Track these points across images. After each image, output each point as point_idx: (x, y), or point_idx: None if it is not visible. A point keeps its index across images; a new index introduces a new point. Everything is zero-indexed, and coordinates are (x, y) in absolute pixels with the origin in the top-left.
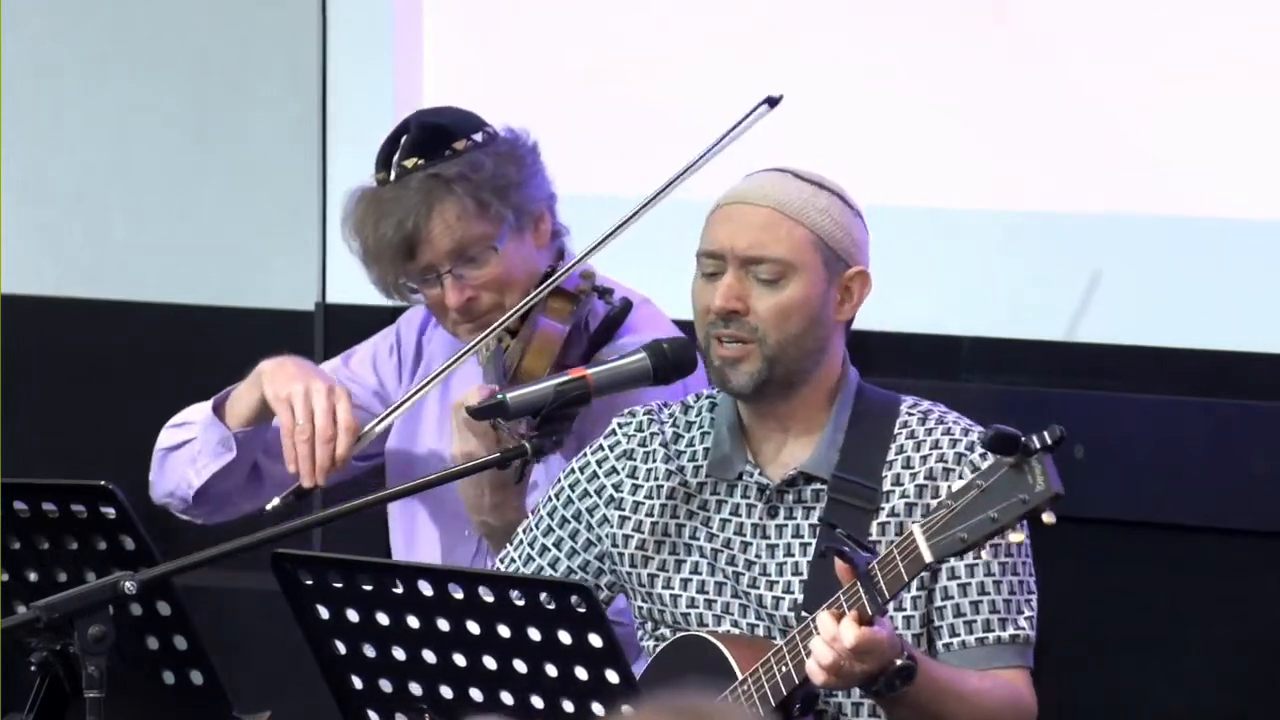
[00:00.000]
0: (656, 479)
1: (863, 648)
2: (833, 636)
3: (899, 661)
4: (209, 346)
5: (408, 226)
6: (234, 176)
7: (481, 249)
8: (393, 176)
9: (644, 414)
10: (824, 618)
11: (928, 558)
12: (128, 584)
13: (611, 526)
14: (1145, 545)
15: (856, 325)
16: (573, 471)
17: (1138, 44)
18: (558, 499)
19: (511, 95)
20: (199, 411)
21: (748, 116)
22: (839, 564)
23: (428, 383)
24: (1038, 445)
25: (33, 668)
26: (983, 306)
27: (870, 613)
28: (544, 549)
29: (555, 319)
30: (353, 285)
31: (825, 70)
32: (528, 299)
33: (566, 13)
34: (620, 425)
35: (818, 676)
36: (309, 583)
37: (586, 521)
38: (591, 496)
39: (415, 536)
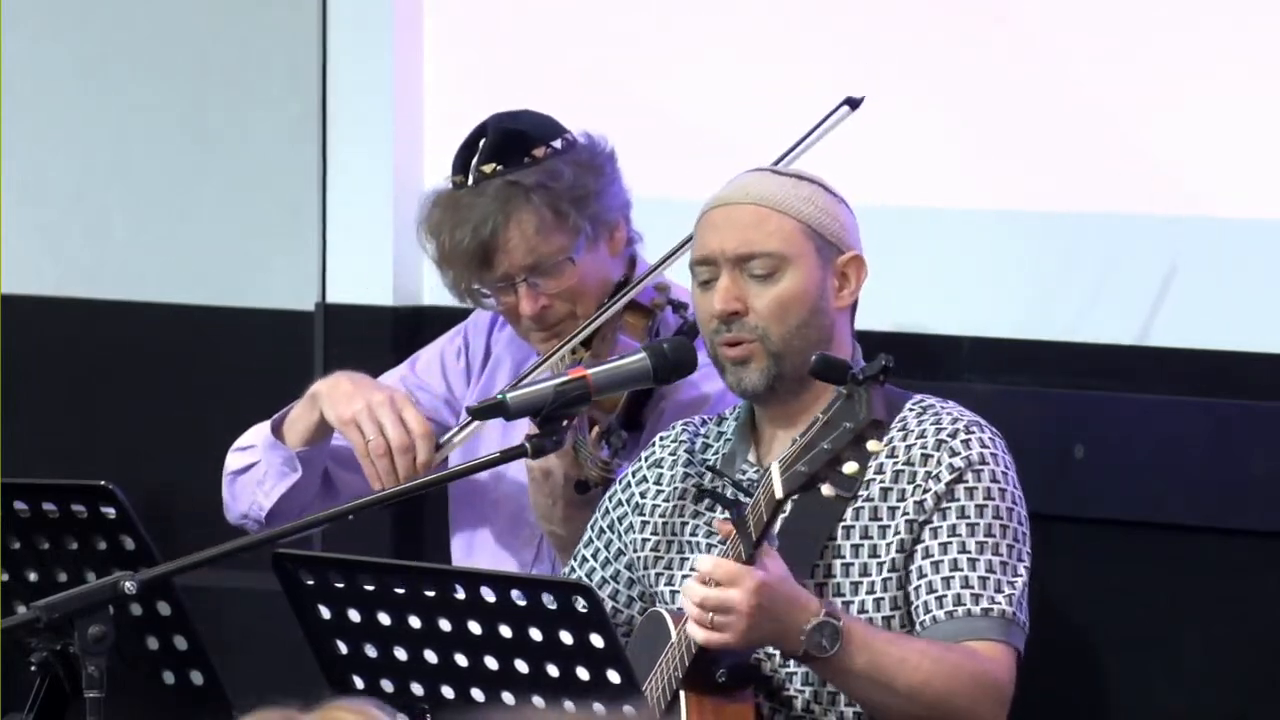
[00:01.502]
0: (674, 483)
1: (718, 575)
2: (697, 574)
3: (817, 619)
4: (209, 346)
5: (484, 234)
6: (234, 176)
7: (557, 260)
8: (470, 181)
9: (682, 425)
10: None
11: (778, 494)
12: (128, 584)
13: (634, 532)
14: (1145, 545)
15: (856, 325)
16: (615, 483)
17: (1138, 44)
18: (598, 511)
19: (512, 95)
20: (259, 433)
21: (828, 118)
22: (719, 519)
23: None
24: (862, 376)
25: (33, 668)
26: (983, 306)
27: (745, 556)
28: (584, 560)
29: (632, 335)
30: (353, 285)
31: (825, 70)
32: (601, 311)
33: (567, 13)
34: (661, 437)
35: (690, 611)
36: (310, 583)
37: (617, 530)
38: (622, 505)
39: (475, 541)
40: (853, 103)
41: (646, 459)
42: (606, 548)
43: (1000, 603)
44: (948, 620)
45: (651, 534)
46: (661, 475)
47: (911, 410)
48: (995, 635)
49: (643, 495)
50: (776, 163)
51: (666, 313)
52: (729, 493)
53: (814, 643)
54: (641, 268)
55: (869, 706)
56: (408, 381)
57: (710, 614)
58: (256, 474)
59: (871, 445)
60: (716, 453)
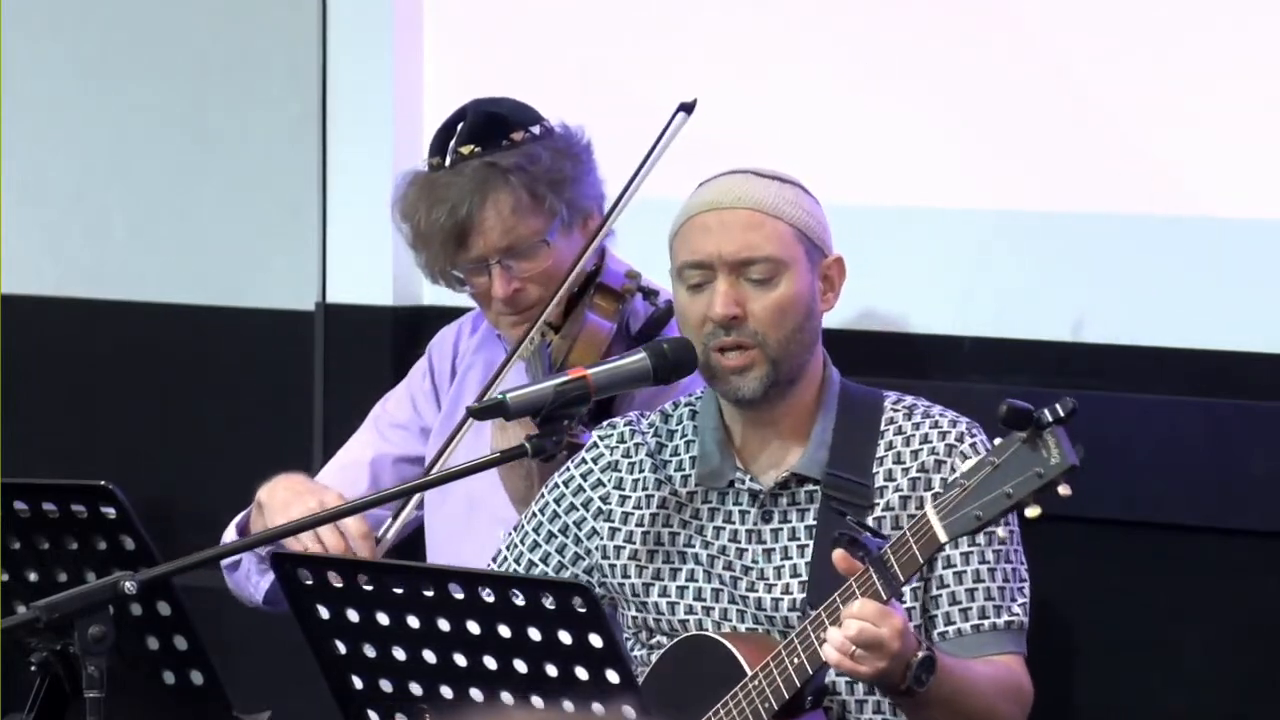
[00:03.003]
0: (645, 489)
1: (868, 614)
2: (852, 613)
3: (921, 653)
4: (209, 346)
5: (460, 213)
6: (234, 176)
7: (532, 242)
8: (448, 162)
9: (624, 425)
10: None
11: (942, 538)
12: (128, 584)
13: (601, 539)
14: (1145, 545)
15: (856, 325)
16: (556, 486)
17: (1138, 44)
18: (542, 514)
19: (511, 95)
20: (231, 535)
21: (668, 126)
22: (838, 555)
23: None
24: (1050, 419)
25: (33, 668)
26: (983, 306)
27: (885, 597)
28: (530, 565)
29: (602, 316)
30: (353, 285)
31: (826, 70)
32: (560, 282)
33: (567, 13)
34: (601, 438)
35: (832, 656)
36: (309, 582)
37: (574, 535)
38: (578, 510)
39: (454, 542)
40: (687, 107)
41: (595, 461)
42: (560, 552)
43: (1018, 614)
44: (974, 634)
45: (625, 542)
46: (623, 480)
47: (897, 410)
48: (1014, 646)
49: (605, 500)
50: (630, 182)
51: (636, 300)
52: (859, 531)
53: (916, 676)
54: (611, 260)
55: None
56: (380, 422)
57: (855, 648)
58: (244, 568)
59: (1063, 490)
60: (675, 454)
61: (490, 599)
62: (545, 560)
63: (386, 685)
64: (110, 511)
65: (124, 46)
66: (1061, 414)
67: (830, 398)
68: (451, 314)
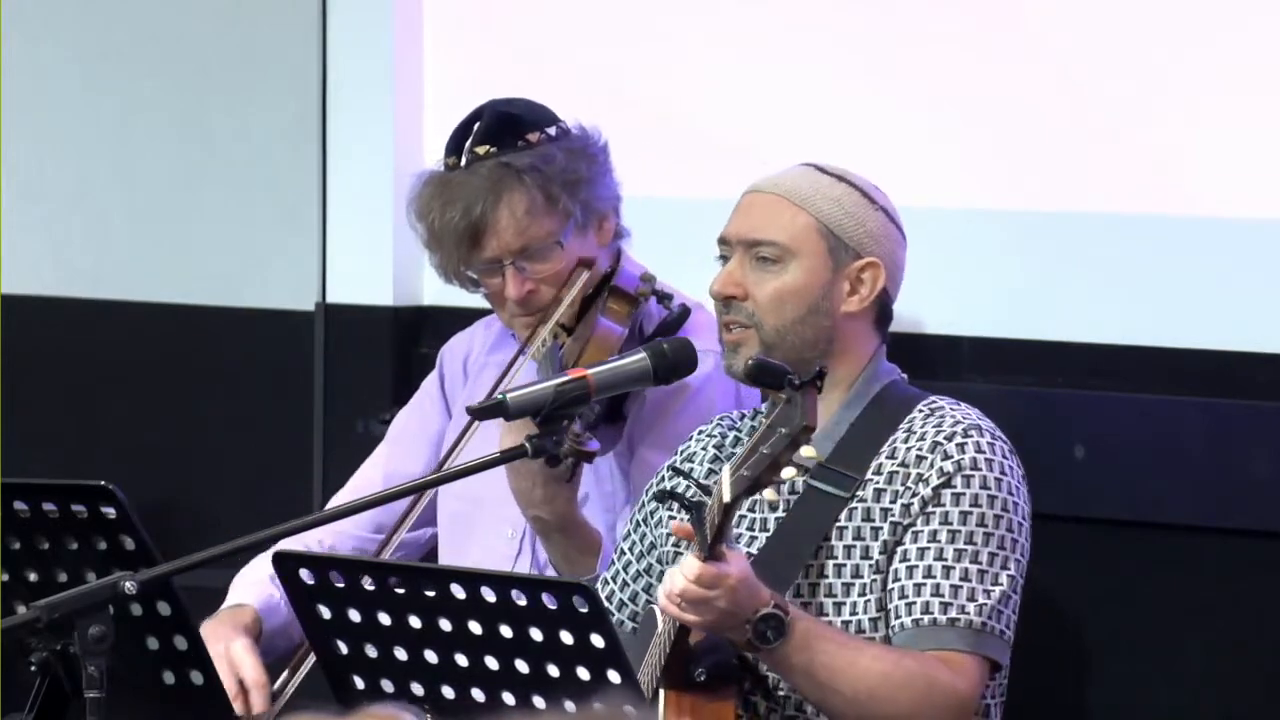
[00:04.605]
0: (700, 480)
1: (685, 573)
2: (680, 569)
3: (765, 610)
4: (209, 346)
5: (474, 213)
6: (234, 176)
7: (546, 243)
8: (463, 162)
9: (717, 420)
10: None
11: (726, 497)
12: (128, 584)
13: (663, 527)
14: (1145, 545)
15: None
16: (657, 477)
17: (1138, 44)
18: (635, 504)
19: (512, 95)
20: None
21: None
22: (674, 522)
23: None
24: (798, 381)
25: (33, 668)
26: (983, 306)
27: (702, 557)
28: (622, 552)
29: (614, 320)
30: (353, 285)
31: (826, 70)
32: (569, 283)
33: (567, 13)
34: (700, 430)
35: (661, 603)
36: (310, 582)
37: (650, 524)
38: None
39: (461, 541)
40: None
41: (682, 452)
42: (641, 540)
43: (970, 612)
44: (915, 628)
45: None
46: (693, 470)
47: (920, 411)
48: (962, 646)
49: (674, 490)
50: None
51: (651, 303)
52: (691, 494)
53: (758, 633)
54: (627, 262)
55: (815, 706)
56: (396, 439)
57: (679, 598)
58: None
59: (805, 451)
60: (742, 445)
61: (492, 599)
62: (632, 548)
63: (388, 685)
64: (110, 511)
65: (124, 46)
66: (807, 378)
67: (860, 394)
68: (452, 314)
